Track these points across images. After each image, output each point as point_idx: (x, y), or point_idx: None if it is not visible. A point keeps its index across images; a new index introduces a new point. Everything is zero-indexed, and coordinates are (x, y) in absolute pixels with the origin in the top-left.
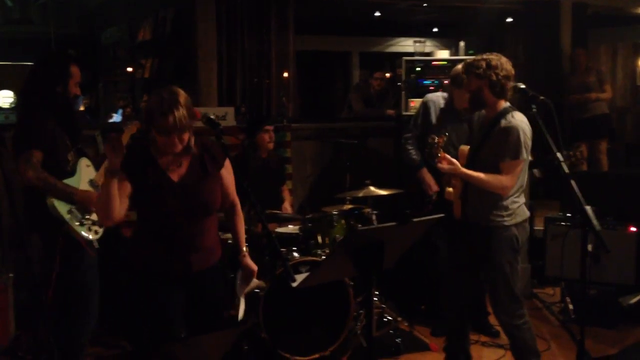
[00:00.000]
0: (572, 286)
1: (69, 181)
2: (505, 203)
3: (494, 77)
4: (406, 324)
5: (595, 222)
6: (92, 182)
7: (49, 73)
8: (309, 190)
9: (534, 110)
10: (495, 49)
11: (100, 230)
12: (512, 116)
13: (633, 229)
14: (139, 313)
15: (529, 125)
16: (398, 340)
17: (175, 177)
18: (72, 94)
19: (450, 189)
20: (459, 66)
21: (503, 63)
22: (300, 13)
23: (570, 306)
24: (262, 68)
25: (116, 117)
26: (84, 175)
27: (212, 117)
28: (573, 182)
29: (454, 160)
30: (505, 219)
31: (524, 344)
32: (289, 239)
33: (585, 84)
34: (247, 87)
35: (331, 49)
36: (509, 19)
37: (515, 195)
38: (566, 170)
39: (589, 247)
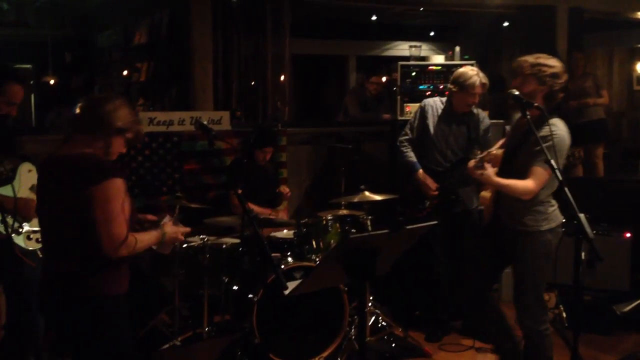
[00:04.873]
0: (566, 293)
1: (5, 188)
2: (540, 207)
3: (555, 87)
4: (400, 329)
5: (589, 230)
6: (34, 188)
7: None
8: (304, 194)
9: (528, 117)
10: (491, 54)
11: None
12: (554, 124)
13: (628, 235)
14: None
15: (569, 134)
16: (392, 345)
17: None
18: (1, 112)
19: (486, 194)
20: (462, 70)
21: (563, 74)
22: (296, 16)
23: (564, 314)
24: (258, 71)
25: None
26: (25, 180)
27: (204, 122)
28: (567, 190)
29: (489, 169)
30: (541, 223)
31: (542, 352)
32: (283, 243)
33: (582, 89)
34: (243, 91)
35: (327, 52)
36: (505, 24)
37: (550, 200)
38: (560, 177)
39: (583, 255)
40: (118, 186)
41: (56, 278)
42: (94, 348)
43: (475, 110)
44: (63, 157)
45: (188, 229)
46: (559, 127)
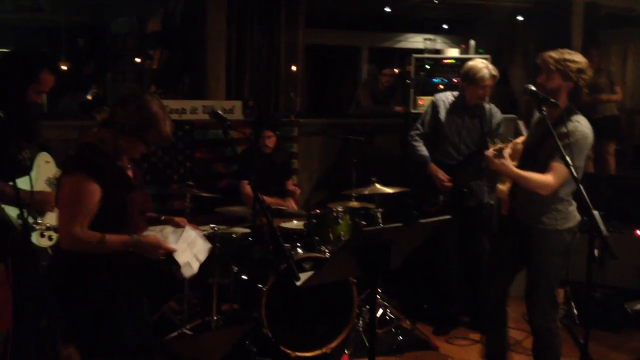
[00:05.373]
0: (576, 289)
1: (23, 180)
2: (559, 206)
3: (581, 83)
4: (408, 322)
5: (603, 227)
6: (49, 180)
7: (12, 73)
8: (315, 185)
9: (545, 112)
10: (505, 49)
11: (56, 236)
12: (578, 120)
13: (639, 232)
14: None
15: (592, 131)
16: (400, 338)
17: (132, 179)
18: (31, 99)
19: (503, 187)
20: (470, 63)
21: (588, 69)
22: (311, 6)
23: (575, 311)
24: (271, 61)
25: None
26: (42, 172)
27: (219, 111)
28: (582, 187)
29: (507, 159)
30: (560, 222)
31: (551, 349)
32: (293, 234)
33: (597, 85)
34: (256, 81)
35: (340, 43)
36: (520, 18)
37: (569, 199)
38: (575, 174)
39: (595, 252)
40: (83, 184)
41: (56, 267)
42: (89, 337)
43: (487, 105)
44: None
45: (173, 248)
46: (582, 124)
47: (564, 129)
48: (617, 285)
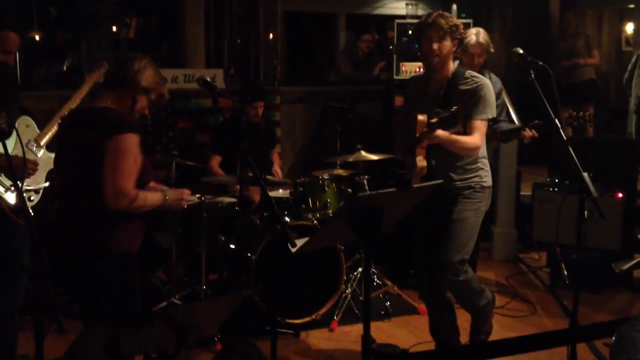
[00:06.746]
0: (555, 252)
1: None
2: (483, 165)
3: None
4: (395, 287)
5: (592, 188)
6: (30, 143)
7: None
8: (298, 153)
9: (532, 75)
10: (483, 13)
11: (36, 197)
12: (475, 75)
13: (620, 195)
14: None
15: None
16: (387, 303)
17: None
18: None
19: (421, 160)
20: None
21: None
22: None
23: (565, 272)
24: (250, 29)
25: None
26: (22, 136)
27: (208, 79)
28: (571, 149)
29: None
30: (484, 179)
31: (471, 290)
32: (279, 203)
33: (574, 49)
34: (235, 48)
35: (317, 10)
36: None
37: (487, 156)
38: (564, 137)
39: (585, 214)
40: (132, 141)
41: (67, 234)
42: (98, 304)
43: (486, 74)
44: (87, 109)
45: (189, 191)
46: (481, 78)
47: (466, 88)
48: (598, 247)
